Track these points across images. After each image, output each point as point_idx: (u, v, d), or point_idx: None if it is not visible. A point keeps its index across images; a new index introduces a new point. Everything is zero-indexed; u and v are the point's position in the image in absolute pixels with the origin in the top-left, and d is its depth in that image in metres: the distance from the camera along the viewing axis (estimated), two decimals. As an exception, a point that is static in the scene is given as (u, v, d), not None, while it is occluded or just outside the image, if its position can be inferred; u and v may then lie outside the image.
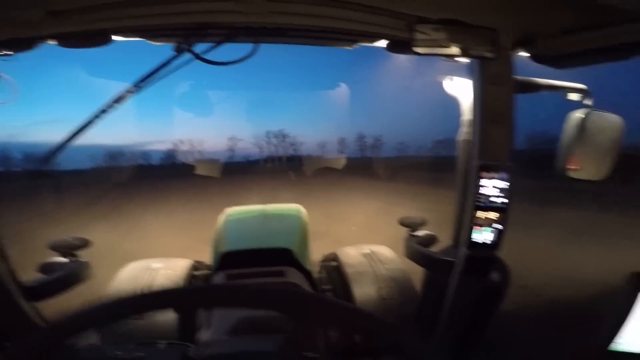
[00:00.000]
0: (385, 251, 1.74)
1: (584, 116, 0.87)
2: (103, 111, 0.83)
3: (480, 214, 0.91)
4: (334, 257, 1.93)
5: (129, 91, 0.83)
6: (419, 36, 0.81)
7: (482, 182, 0.90)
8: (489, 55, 0.84)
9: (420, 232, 1.33)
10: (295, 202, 1.95)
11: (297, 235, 1.61)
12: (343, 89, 2.88)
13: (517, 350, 1.81)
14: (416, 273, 1.37)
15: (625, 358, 0.76)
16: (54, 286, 0.96)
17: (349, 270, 1.74)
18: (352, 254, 1.78)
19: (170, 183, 14.05)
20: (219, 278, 1.16)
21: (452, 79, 1.10)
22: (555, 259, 3.73)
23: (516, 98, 0.93)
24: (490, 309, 1.08)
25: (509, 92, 0.92)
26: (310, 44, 0.97)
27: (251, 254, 1.33)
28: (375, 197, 8.59)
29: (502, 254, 1.01)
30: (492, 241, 0.93)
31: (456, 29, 0.82)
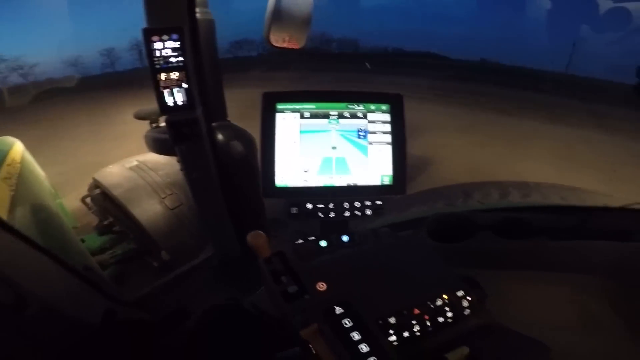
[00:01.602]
0: (154, 158, 1.55)
1: None
2: None
3: (163, 75, 0.92)
4: (96, 185, 1.58)
5: None
6: None
7: (155, 45, 0.90)
8: None
9: (163, 123, 1.21)
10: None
11: None
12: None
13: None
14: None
15: (282, 193, 0.72)
16: None
17: (117, 192, 1.48)
18: (115, 173, 1.50)
19: None
20: None
21: None
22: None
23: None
24: (249, 179, 1.16)
25: None
26: None
27: None
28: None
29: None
30: (185, 102, 0.95)
31: None
